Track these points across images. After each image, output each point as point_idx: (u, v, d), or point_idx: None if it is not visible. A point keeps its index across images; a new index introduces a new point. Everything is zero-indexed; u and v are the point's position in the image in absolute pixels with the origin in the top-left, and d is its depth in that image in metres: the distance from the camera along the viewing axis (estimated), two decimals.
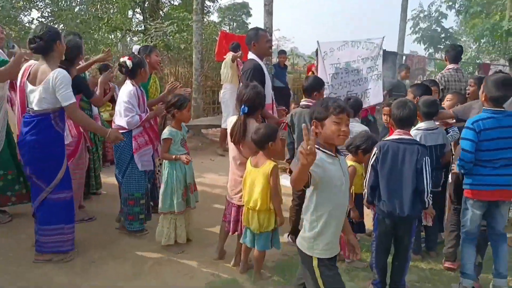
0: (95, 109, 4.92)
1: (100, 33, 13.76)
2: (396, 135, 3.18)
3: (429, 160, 3.12)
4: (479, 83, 4.80)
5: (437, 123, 3.92)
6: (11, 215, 4.39)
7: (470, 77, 5.58)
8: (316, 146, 2.24)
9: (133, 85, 4.03)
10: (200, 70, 9.60)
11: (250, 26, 23.21)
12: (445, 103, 4.39)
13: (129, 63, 4.03)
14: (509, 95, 3.19)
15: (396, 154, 3.10)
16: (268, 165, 3.21)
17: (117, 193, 4.48)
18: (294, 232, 4.19)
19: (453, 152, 4.03)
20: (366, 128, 4.19)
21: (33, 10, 13.14)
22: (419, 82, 7.69)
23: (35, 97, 3.38)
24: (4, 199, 4.29)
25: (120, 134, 3.76)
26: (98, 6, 13.77)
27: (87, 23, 12.81)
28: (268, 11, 8.00)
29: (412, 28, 31.26)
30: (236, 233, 3.57)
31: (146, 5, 13.74)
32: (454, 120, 4.00)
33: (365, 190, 3.31)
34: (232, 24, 31.43)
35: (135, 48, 5.24)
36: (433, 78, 6.77)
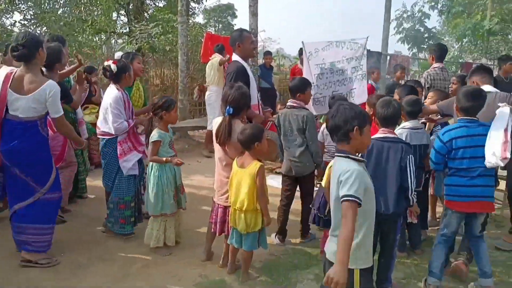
0: (79, 113, 4.89)
1: (84, 36, 13.62)
2: (380, 133, 3.22)
3: (413, 158, 3.16)
4: (462, 81, 4.93)
5: (422, 120, 3.97)
6: None
7: (453, 76, 5.67)
8: (342, 155, 2.28)
9: (118, 89, 4.01)
10: (185, 72, 9.56)
11: (235, 28, 23.19)
12: (427, 101, 4.45)
13: (113, 67, 4.01)
14: (479, 105, 3.24)
15: (381, 152, 3.14)
16: (255, 165, 3.22)
17: (103, 196, 4.45)
18: (282, 232, 4.22)
19: None
20: None
21: (15, 12, 12.98)
22: (402, 82, 7.77)
23: (21, 106, 3.37)
24: None
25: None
26: (82, 8, 13.63)
27: (71, 25, 12.67)
28: (253, 12, 7.98)
29: (396, 28, 31.66)
30: (223, 234, 3.58)
31: (130, 7, 13.62)
32: (439, 116, 4.05)
33: None
34: (217, 25, 31.35)
35: (117, 54, 5.25)
36: (417, 78, 6.86)
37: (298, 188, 4.25)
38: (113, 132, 3.96)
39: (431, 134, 4.26)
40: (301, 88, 4.11)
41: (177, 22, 9.97)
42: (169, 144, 3.89)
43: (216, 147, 3.56)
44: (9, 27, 12.52)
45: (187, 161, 7.09)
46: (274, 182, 5.92)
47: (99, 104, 5.09)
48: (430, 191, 4.64)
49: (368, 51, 6.99)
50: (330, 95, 5.49)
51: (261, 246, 3.43)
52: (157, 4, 15.59)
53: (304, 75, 5.35)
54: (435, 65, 5.70)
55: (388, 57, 12.80)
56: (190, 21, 13.30)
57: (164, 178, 3.81)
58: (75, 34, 12.95)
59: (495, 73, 5.97)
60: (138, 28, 11.38)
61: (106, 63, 4.10)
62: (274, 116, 4.54)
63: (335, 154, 2.43)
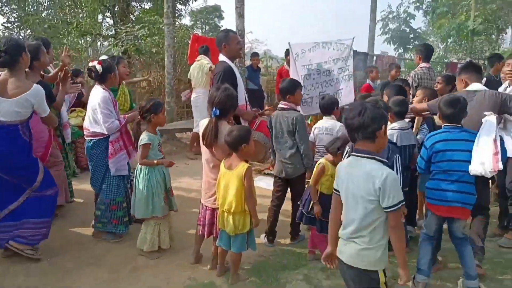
0: (65, 117, 4.84)
1: (69, 38, 13.49)
2: None
3: (400, 158, 3.18)
4: (447, 81, 5.00)
5: (411, 115, 4.00)
6: None
7: (438, 75, 5.74)
8: (368, 156, 2.25)
9: (104, 89, 3.99)
10: (173, 74, 9.54)
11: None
12: (415, 99, 4.48)
13: (99, 67, 3.99)
14: (459, 111, 3.28)
15: None
16: (242, 166, 3.22)
17: (90, 200, 4.41)
18: (271, 233, 4.21)
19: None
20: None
21: None
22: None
23: (4, 109, 3.36)
24: None
25: None
26: (67, 10, 13.52)
27: (56, 28, 12.56)
28: (240, 14, 8.00)
29: (382, 29, 31.90)
30: (212, 236, 3.57)
31: (116, 9, 13.55)
32: (428, 112, 4.09)
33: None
34: (204, 27, 31.26)
35: (103, 58, 5.18)
36: (403, 78, 6.91)
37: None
38: (105, 132, 3.96)
39: (417, 134, 4.30)
40: (290, 89, 4.10)
41: (164, 24, 9.95)
42: (158, 146, 3.87)
43: (203, 148, 3.54)
44: None
45: (175, 163, 7.09)
46: (263, 183, 5.93)
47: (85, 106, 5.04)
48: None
49: (355, 51, 7.04)
50: (317, 96, 5.52)
51: (250, 248, 3.42)
52: (143, 6, 15.55)
53: (291, 76, 5.37)
54: (422, 64, 5.78)
55: (375, 58, 12.91)
56: (177, 23, 13.24)
57: (153, 181, 3.79)
58: (60, 36, 12.83)
59: (486, 72, 6.05)
60: (124, 30, 11.32)
61: (91, 64, 4.09)
62: (264, 113, 4.53)
63: (352, 153, 2.37)
